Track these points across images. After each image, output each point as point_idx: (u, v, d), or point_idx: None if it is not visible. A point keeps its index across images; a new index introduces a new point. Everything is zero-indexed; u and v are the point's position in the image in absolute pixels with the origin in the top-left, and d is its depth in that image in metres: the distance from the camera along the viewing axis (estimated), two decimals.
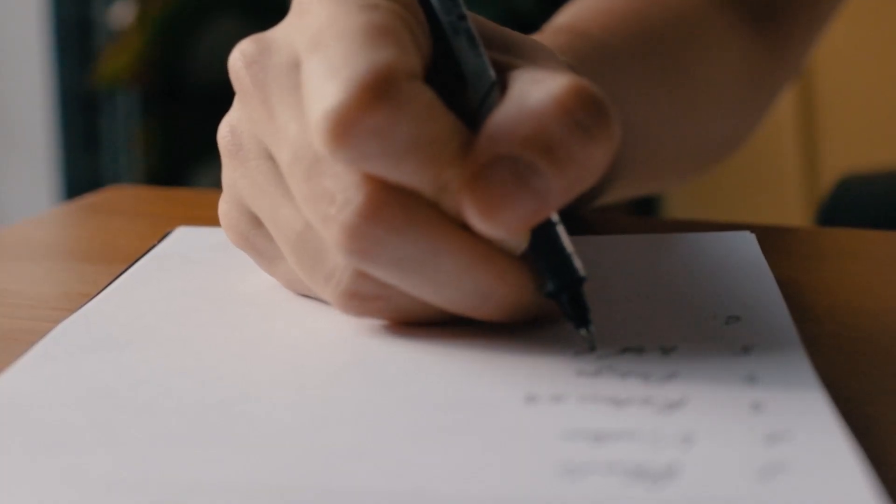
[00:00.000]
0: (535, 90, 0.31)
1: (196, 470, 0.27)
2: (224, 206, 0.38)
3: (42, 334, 0.35)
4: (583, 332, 0.33)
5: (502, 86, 0.33)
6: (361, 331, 0.35)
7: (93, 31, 1.73)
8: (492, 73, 0.34)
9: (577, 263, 0.34)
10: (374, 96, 0.30)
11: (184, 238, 0.46)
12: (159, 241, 0.45)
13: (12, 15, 1.76)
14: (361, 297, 0.34)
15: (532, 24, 0.55)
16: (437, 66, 0.34)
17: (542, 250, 0.33)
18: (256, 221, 0.37)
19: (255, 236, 0.37)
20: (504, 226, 0.31)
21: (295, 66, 0.33)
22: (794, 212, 1.53)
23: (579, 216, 0.50)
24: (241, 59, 0.35)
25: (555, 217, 0.34)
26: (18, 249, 0.49)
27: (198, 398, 0.31)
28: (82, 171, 1.77)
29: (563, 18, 0.54)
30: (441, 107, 0.31)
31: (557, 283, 0.33)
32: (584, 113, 0.31)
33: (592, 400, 0.30)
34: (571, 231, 0.46)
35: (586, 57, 0.46)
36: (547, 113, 0.31)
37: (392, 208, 0.31)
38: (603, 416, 0.29)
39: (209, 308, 0.38)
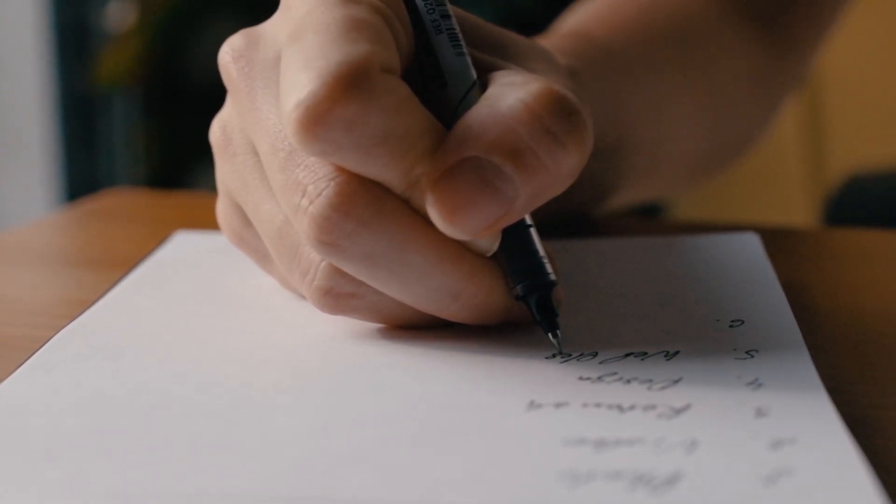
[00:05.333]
0: (508, 94, 0.31)
1: (196, 478, 0.27)
2: (219, 204, 0.38)
3: (41, 341, 0.35)
4: (550, 336, 0.33)
5: (483, 87, 0.33)
6: (363, 335, 0.35)
7: (91, 33, 1.73)
8: (472, 73, 0.34)
9: (549, 267, 0.33)
10: (346, 87, 0.30)
11: (183, 243, 0.46)
12: (158, 246, 0.45)
13: (10, 17, 1.76)
14: (335, 295, 0.33)
15: (533, 23, 0.55)
16: (420, 64, 0.34)
17: (512, 252, 0.33)
18: (248, 218, 0.37)
19: (249, 234, 0.37)
20: (466, 228, 0.31)
21: (278, 60, 0.33)
22: (801, 212, 1.53)
23: (586, 219, 0.50)
24: (229, 53, 0.36)
25: (528, 219, 0.34)
26: (16, 256, 0.49)
27: (198, 405, 0.30)
28: (82, 174, 1.76)
29: (569, 22, 0.54)
30: (415, 102, 0.31)
31: (527, 286, 0.33)
32: (554, 120, 0.31)
33: (595, 406, 0.30)
34: (575, 233, 0.46)
35: (593, 60, 0.46)
36: (517, 118, 0.31)
37: (362, 202, 0.31)
38: (606, 423, 0.29)
39: (209, 314, 0.38)
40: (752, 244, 0.43)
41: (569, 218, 0.48)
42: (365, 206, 0.31)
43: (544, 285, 0.33)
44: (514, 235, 0.33)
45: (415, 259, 0.32)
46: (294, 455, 0.28)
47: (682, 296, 0.38)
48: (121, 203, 0.59)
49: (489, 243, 0.33)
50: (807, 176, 1.54)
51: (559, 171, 0.31)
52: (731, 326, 0.35)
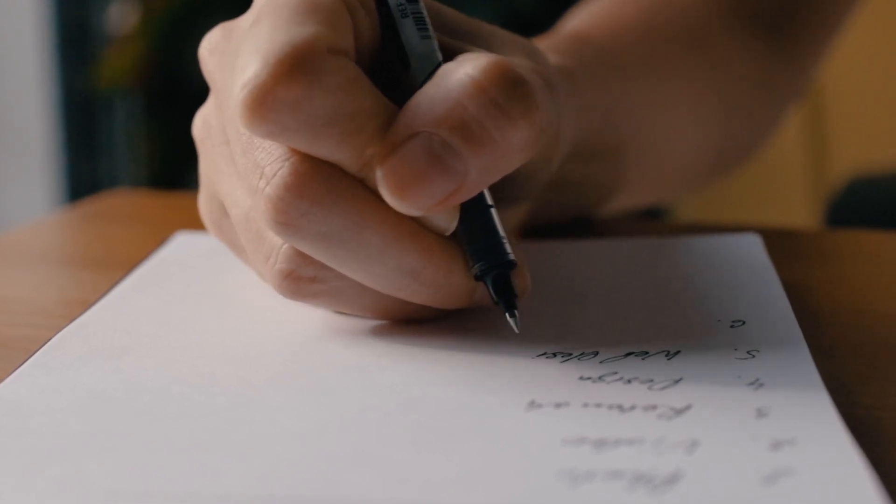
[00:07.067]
0: (456, 69, 0.32)
1: (195, 477, 0.27)
2: (200, 196, 0.39)
3: (40, 342, 0.35)
4: (507, 317, 0.33)
5: None
6: (362, 335, 0.35)
7: (93, 34, 1.73)
8: (438, 55, 0.34)
9: (508, 247, 0.33)
10: (289, 69, 0.30)
11: (183, 244, 0.46)
12: (159, 246, 0.45)
13: (12, 18, 1.76)
14: (296, 278, 0.33)
15: (532, 23, 0.55)
16: (387, 49, 0.34)
17: (472, 232, 0.33)
18: (225, 209, 0.37)
19: (227, 224, 0.37)
20: (417, 203, 0.31)
21: None
22: (803, 213, 1.53)
23: (588, 221, 0.50)
24: (206, 47, 0.36)
25: (489, 200, 0.34)
26: (16, 256, 0.49)
27: (197, 405, 0.30)
28: (83, 175, 1.76)
29: (569, 25, 0.54)
30: (365, 83, 0.31)
31: (484, 266, 0.33)
32: (501, 93, 0.31)
33: (595, 406, 0.30)
34: (577, 234, 0.46)
35: (589, 61, 0.45)
36: (464, 92, 0.31)
37: (317, 181, 0.31)
38: (606, 423, 0.29)
39: (208, 314, 0.38)
40: (753, 245, 0.43)
41: (570, 220, 0.48)
42: (319, 186, 0.31)
43: (503, 265, 0.33)
44: (474, 215, 0.33)
45: (371, 237, 0.32)
46: (293, 454, 0.28)
47: (683, 296, 0.38)
48: (121, 204, 0.59)
49: (447, 222, 0.33)
50: (809, 177, 1.54)
51: (508, 144, 0.31)
52: (732, 327, 0.35)
